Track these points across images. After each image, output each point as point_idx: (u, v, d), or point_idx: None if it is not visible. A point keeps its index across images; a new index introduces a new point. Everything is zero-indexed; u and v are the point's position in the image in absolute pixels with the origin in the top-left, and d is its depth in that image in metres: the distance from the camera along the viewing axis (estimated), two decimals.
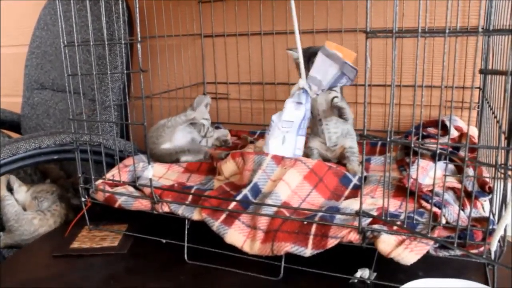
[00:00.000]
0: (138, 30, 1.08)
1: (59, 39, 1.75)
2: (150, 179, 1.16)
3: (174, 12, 1.77)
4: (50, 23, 1.90)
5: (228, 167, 1.31)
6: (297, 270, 1.03)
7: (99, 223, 1.32)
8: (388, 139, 0.93)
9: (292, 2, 1.17)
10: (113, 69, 1.50)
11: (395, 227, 0.98)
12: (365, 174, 1.31)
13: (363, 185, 1.22)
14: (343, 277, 1.01)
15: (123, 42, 1.12)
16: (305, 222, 1.04)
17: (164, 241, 1.20)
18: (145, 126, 1.13)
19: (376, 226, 0.98)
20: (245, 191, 1.16)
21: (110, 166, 1.36)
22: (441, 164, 1.24)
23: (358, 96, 1.65)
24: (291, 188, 1.18)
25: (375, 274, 1.01)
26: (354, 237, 0.98)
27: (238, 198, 1.13)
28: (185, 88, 1.79)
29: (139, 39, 1.08)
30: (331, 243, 0.98)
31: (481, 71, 0.81)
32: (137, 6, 1.08)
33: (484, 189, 1.12)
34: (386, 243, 0.94)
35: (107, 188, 1.28)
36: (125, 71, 1.14)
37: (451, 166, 1.26)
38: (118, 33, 1.46)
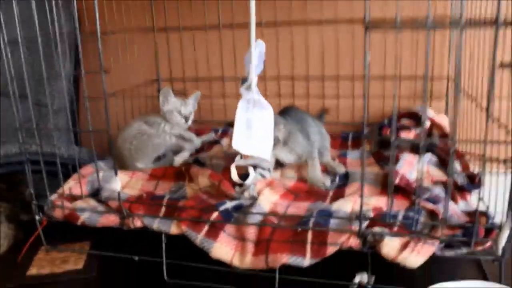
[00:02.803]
0: (98, 25, 0.94)
1: None
2: (119, 193, 1.03)
3: (118, 4, 1.60)
4: None
5: (204, 181, 1.20)
6: (293, 281, 0.95)
7: (57, 242, 1.17)
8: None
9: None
10: (60, 69, 1.33)
11: (395, 228, 0.93)
12: (347, 170, 1.26)
13: (348, 183, 1.19)
14: (342, 283, 0.94)
15: (78, 38, 0.97)
16: (299, 229, 0.96)
17: (136, 258, 1.07)
18: (109, 134, 1.00)
19: (376, 229, 0.92)
20: (228, 204, 1.06)
21: (64, 177, 1.20)
22: (426, 157, 1.21)
23: (326, 88, 1.60)
24: (272, 201, 1.11)
25: (373, 277, 0.95)
26: (354, 242, 0.92)
27: (221, 208, 1.03)
28: (138, 87, 1.64)
29: (99, 35, 0.95)
30: (331, 250, 0.91)
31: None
32: None
33: (474, 182, 1.10)
34: (390, 247, 0.89)
35: (66, 203, 1.13)
36: (85, 72, 0.99)
37: (433, 159, 1.23)
38: (58, 29, 1.29)
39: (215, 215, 1.02)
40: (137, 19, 1.65)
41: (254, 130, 1.02)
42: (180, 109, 1.46)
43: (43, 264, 1.10)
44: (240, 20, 1.56)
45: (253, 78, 1.00)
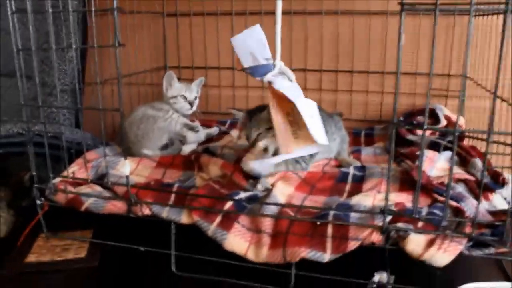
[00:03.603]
0: None
1: None
2: (127, 176, 0.97)
3: None
4: None
5: (215, 170, 1.14)
6: (309, 278, 0.89)
7: (57, 229, 1.10)
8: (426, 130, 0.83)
9: None
10: (67, 46, 1.27)
11: (419, 225, 0.88)
12: (363, 165, 1.21)
13: (366, 178, 1.14)
14: (360, 282, 0.89)
15: (93, 10, 0.92)
16: (319, 223, 0.90)
17: (142, 249, 1.01)
18: (122, 113, 0.94)
19: (400, 225, 0.87)
20: (242, 194, 1.00)
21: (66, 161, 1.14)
22: (446, 155, 1.17)
23: (339, 83, 1.55)
24: (287, 193, 1.06)
25: (393, 277, 0.90)
26: (376, 238, 0.87)
27: (235, 198, 0.98)
28: (144, 73, 1.58)
29: (115, 5, 0.89)
30: (352, 245, 0.86)
31: None
32: None
33: (498, 181, 1.06)
34: (416, 244, 0.84)
35: (70, 188, 1.07)
36: (96, 46, 0.92)
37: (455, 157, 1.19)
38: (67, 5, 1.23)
39: (228, 205, 0.96)
40: (146, 3, 1.59)
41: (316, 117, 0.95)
42: (185, 94, 1.40)
43: (42, 252, 1.04)
44: (254, 7, 1.51)
45: (280, 62, 0.94)
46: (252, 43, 0.94)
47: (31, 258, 1.01)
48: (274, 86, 0.95)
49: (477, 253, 0.85)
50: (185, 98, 1.41)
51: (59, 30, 1.24)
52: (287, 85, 0.95)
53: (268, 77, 0.96)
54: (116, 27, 0.89)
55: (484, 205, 1.01)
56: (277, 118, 0.98)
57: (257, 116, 1.10)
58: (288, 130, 0.98)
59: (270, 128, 1.06)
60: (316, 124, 0.94)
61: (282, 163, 1.13)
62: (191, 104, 1.42)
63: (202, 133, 1.45)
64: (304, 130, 0.96)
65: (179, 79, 1.46)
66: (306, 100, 0.95)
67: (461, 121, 1.38)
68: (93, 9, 0.92)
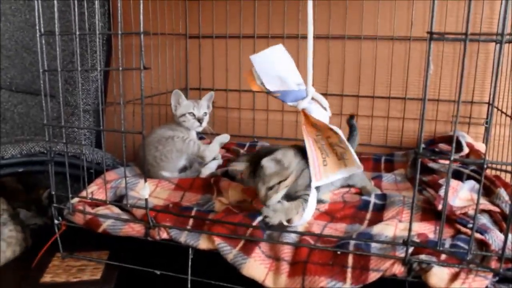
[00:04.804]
0: (141, 18, 0.90)
1: (21, 32, 1.52)
2: (146, 200, 0.97)
3: (153, 8, 1.57)
4: (10, 13, 1.64)
5: (234, 194, 1.13)
6: None
7: (72, 249, 1.10)
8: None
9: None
10: (91, 67, 1.29)
11: (442, 257, 0.86)
12: (384, 192, 1.19)
13: (387, 207, 1.12)
14: None
15: (119, 33, 0.93)
16: (339, 252, 0.89)
17: (158, 272, 1.00)
18: (143, 135, 0.94)
19: (422, 257, 0.85)
20: (260, 217, 0.99)
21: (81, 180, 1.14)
22: (469, 184, 1.15)
23: (360, 107, 1.54)
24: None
25: None
26: (398, 269, 0.84)
27: (255, 223, 0.96)
28: (164, 94, 1.59)
29: (141, 29, 0.90)
30: (373, 277, 0.84)
31: None
32: None
33: None
34: (439, 278, 0.81)
35: (88, 208, 1.07)
36: (122, 68, 0.92)
37: (477, 187, 1.16)
38: (92, 26, 1.24)
39: (251, 229, 0.95)
40: (165, 23, 1.60)
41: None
42: (193, 111, 1.39)
43: (58, 272, 1.03)
44: (277, 31, 1.52)
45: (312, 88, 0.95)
46: (277, 65, 0.94)
47: (46, 278, 1.01)
48: (310, 114, 0.95)
49: None
50: (193, 115, 1.39)
51: (84, 51, 1.26)
52: (323, 114, 0.95)
53: (304, 104, 0.96)
54: (142, 50, 0.90)
55: (510, 238, 0.98)
56: (309, 144, 0.98)
57: (262, 169, 1.00)
58: (319, 157, 0.98)
59: (281, 181, 1.01)
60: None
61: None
62: (199, 120, 1.39)
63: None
64: (331, 157, 0.98)
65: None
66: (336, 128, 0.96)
67: (483, 149, 1.35)
68: (119, 32, 0.93)
